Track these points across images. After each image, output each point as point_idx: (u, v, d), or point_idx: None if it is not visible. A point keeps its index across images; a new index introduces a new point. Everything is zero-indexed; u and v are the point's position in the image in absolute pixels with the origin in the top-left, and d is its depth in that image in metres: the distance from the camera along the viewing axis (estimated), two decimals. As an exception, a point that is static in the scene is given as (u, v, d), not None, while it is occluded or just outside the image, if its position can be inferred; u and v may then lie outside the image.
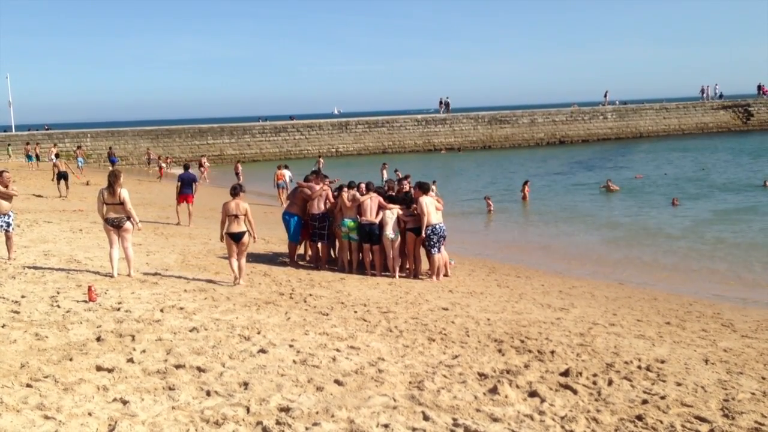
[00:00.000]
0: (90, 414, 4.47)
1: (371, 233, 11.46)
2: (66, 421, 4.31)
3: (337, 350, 6.40)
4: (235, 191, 9.79)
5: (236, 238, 9.62)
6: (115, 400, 4.78)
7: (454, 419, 4.73)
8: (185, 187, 17.66)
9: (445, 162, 43.77)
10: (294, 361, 5.97)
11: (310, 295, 9.32)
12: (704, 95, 61.71)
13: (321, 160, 38.74)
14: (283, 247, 13.36)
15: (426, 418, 4.73)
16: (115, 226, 9.61)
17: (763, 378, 6.01)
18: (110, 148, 42.93)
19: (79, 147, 40.93)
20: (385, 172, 29.76)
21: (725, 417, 4.94)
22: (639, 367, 6.19)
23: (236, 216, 9.61)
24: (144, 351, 6.02)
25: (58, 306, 7.59)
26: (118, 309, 7.60)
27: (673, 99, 65.21)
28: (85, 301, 7.82)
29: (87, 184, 27.83)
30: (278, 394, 5.07)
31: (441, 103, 58.18)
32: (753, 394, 5.50)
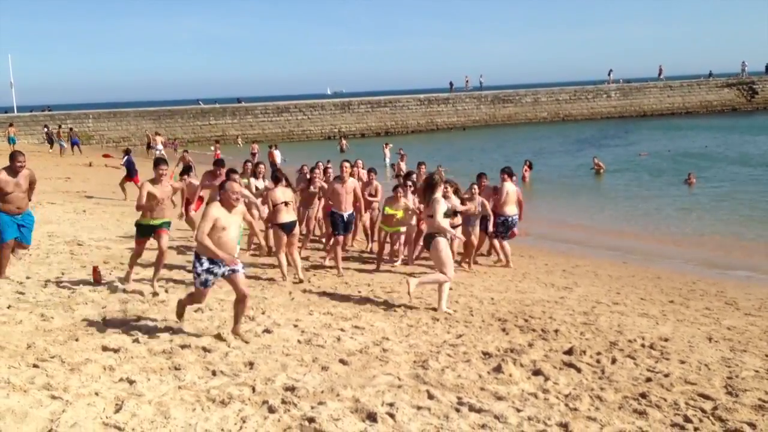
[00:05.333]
0: (97, 394, 4.50)
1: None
2: (73, 400, 4.34)
3: (342, 330, 6.43)
4: (278, 177, 8.97)
5: (289, 228, 8.81)
6: (121, 380, 4.82)
7: (459, 398, 4.75)
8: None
9: (448, 140, 43.50)
10: (299, 341, 6.00)
11: (315, 275, 9.33)
12: (742, 72, 61.19)
13: (344, 141, 37.75)
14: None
15: (431, 396, 4.76)
16: None
17: (767, 356, 6.02)
18: (71, 129, 38.89)
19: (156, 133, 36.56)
20: (387, 151, 29.67)
21: (729, 394, 4.96)
22: (642, 346, 6.20)
23: (286, 203, 8.76)
24: (149, 331, 6.05)
25: (63, 287, 7.62)
26: (123, 290, 7.63)
27: (677, 77, 64.46)
28: (90, 282, 7.86)
29: (90, 165, 27.84)
30: (283, 373, 5.10)
31: (466, 81, 59.05)
32: (756, 371, 5.51)
